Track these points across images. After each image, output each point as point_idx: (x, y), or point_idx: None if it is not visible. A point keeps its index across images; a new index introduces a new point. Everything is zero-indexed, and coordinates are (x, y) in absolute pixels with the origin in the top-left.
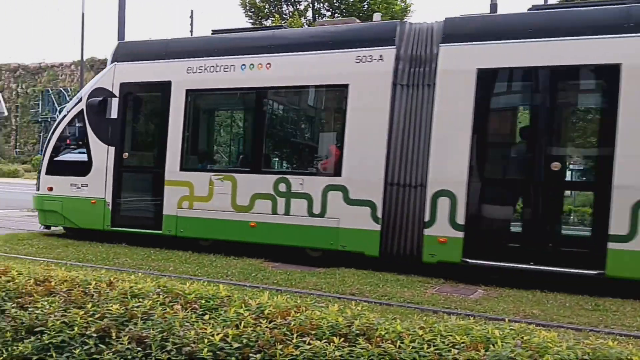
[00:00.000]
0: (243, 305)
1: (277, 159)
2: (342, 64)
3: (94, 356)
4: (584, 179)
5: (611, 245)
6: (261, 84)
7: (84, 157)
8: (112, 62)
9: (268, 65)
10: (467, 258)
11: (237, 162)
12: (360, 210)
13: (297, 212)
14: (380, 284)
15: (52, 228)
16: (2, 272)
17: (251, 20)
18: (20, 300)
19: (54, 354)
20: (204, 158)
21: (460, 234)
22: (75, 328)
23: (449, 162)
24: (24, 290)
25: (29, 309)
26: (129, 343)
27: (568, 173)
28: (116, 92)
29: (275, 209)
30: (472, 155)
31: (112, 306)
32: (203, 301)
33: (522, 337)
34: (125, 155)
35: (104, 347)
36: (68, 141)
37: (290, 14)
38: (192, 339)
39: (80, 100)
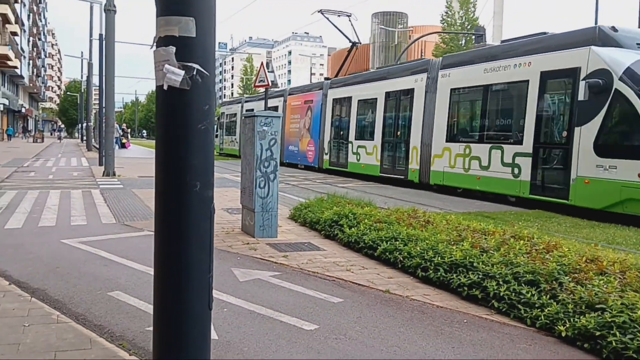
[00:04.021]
0: None
1: None
2: None
3: None
4: None
5: None
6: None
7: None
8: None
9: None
10: None
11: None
12: None
13: None
14: None
15: None
16: (554, 246)
17: None
18: (575, 275)
19: (617, 333)
20: None
21: None
22: (638, 312)
23: None
24: (577, 267)
25: (586, 286)
26: None
27: None
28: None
29: None
30: None
31: None
32: None
33: None
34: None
35: None
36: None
37: None
38: None
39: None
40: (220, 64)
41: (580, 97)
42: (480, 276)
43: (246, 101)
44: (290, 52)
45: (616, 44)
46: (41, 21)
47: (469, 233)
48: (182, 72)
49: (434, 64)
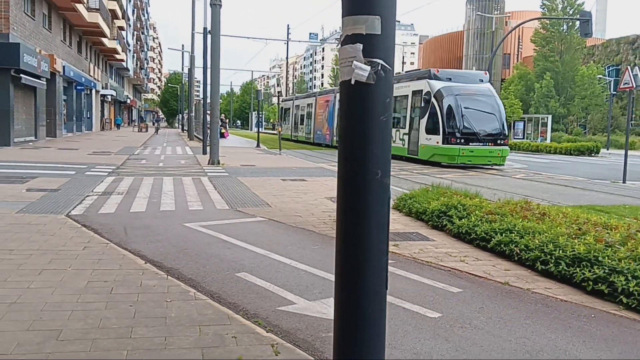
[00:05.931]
0: None
1: None
2: None
3: None
4: None
5: None
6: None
7: None
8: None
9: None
10: None
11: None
12: None
13: None
14: None
15: None
16: None
17: None
18: None
19: None
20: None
21: None
22: None
23: None
24: None
25: None
26: None
27: None
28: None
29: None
30: None
31: None
32: None
33: None
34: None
35: None
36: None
37: None
38: None
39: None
40: (311, 54)
41: (422, 105)
42: (606, 271)
43: (296, 99)
44: None
45: (437, 78)
46: (144, 16)
47: (590, 227)
48: (369, 68)
49: None
